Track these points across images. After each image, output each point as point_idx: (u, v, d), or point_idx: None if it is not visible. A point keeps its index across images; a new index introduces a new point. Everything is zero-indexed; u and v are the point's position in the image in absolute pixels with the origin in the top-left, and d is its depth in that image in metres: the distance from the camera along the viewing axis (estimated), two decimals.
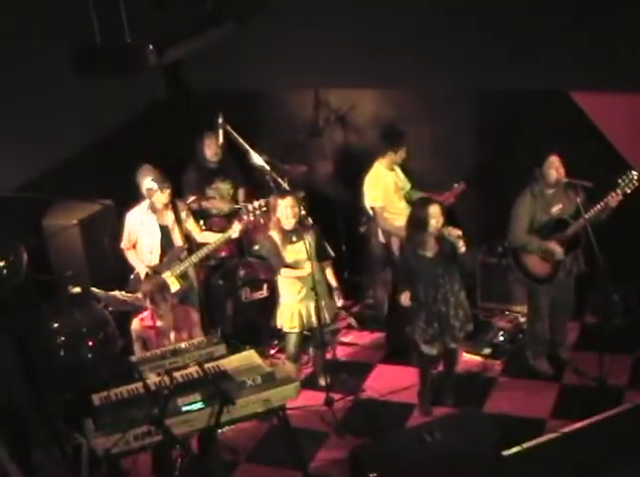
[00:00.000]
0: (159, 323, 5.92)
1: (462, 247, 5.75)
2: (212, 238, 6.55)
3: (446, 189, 7.03)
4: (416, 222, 5.90)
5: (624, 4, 6.53)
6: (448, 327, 6.03)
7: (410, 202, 6.88)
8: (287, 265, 6.26)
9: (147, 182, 6.31)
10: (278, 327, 6.48)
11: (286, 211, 6.17)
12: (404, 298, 6.04)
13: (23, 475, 4.87)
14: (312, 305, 6.26)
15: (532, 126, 7.16)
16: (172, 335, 6.18)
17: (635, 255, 6.99)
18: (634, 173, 5.94)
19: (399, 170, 7.18)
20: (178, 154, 7.62)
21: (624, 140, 6.98)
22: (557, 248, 6.18)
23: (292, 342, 6.47)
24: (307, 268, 6.17)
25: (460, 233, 5.76)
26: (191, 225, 6.66)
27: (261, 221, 6.53)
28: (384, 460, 5.07)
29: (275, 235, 6.27)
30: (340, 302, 6.57)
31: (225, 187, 7.59)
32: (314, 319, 6.31)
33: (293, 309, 6.35)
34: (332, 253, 6.54)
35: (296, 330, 6.39)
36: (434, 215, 5.79)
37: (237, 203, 7.43)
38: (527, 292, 6.67)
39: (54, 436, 5.22)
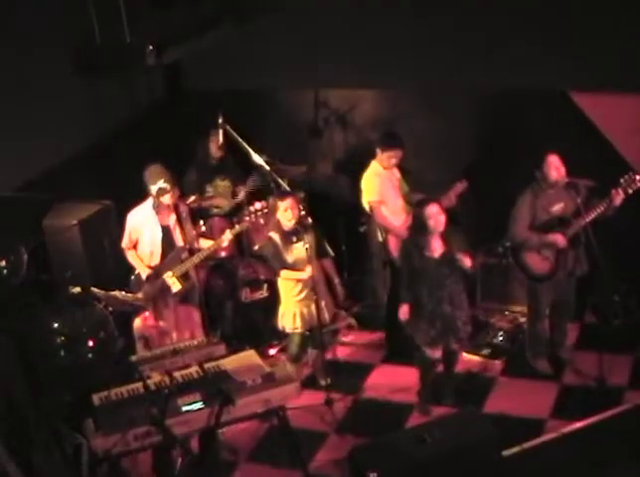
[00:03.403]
0: (161, 322, 5.92)
1: (470, 270, 5.95)
2: (204, 245, 6.52)
3: (447, 189, 7.02)
4: (417, 223, 5.95)
5: (624, 4, 6.53)
6: (452, 327, 6.04)
7: (411, 203, 6.87)
8: (287, 267, 6.25)
9: (160, 183, 6.30)
10: (280, 328, 6.47)
11: (286, 212, 6.16)
12: (404, 313, 6.06)
13: (23, 475, 4.86)
14: (312, 305, 6.25)
15: (532, 126, 7.16)
16: (174, 334, 6.19)
17: (635, 255, 6.99)
18: (638, 176, 5.94)
19: (396, 171, 7.17)
20: (178, 154, 7.62)
21: (624, 140, 6.98)
22: (558, 238, 6.16)
23: (296, 342, 6.45)
24: (308, 271, 6.14)
25: (470, 263, 5.91)
26: (189, 228, 6.63)
27: (262, 222, 6.52)
28: (384, 460, 5.06)
29: (276, 236, 6.27)
30: (342, 296, 6.57)
31: (224, 185, 7.59)
32: (315, 319, 6.30)
33: (295, 309, 6.33)
34: (332, 253, 6.53)
35: (299, 330, 6.38)
36: (432, 215, 5.82)
37: (237, 201, 7.43)
38: (527, 292, 6.66)
39: (54, 436, 5.21)
